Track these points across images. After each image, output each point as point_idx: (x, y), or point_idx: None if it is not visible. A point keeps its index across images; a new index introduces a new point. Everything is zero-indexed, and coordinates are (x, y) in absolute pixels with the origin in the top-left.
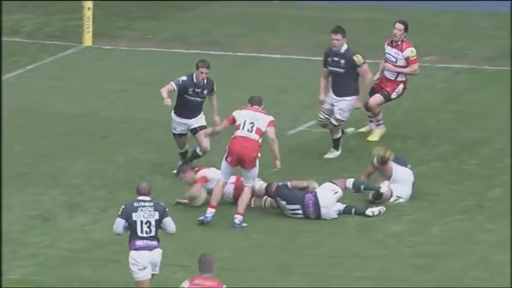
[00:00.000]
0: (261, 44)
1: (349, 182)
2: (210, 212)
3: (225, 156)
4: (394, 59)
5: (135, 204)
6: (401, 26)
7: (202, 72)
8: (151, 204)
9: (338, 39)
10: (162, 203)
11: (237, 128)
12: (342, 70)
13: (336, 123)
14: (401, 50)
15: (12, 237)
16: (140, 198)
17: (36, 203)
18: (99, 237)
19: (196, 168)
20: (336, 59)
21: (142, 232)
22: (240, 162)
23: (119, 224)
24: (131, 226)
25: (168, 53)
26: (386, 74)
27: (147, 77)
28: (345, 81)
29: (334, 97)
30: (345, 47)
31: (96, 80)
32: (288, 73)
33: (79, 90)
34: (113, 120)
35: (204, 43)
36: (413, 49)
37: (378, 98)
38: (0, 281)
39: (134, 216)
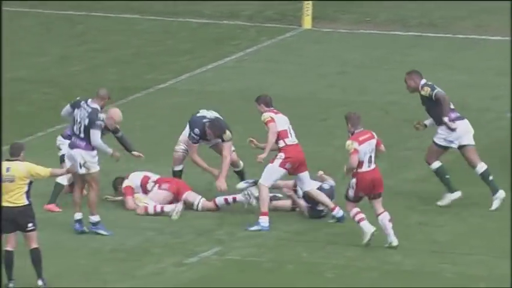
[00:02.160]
0: (480, 26)
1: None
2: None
3: (281, 162)
4: None
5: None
6: None
7: None
8: (90, 109)
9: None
10: (100, 115)
11: (285, 135)
12: None
13: None
14: None
15: (231, 219)
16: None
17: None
18: (317, 219)
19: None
20: None
21: (75, 129)
22: (298, 168)
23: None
24: (71, 119)
25: (386, 36)
26: None
27: (365, 60)
28: None
29: None
30: None
31: (315, 63)
32: (508, 55)
33: (297, 73)
34: (331, 103)
35: (422, 25)
36: None
37: None
38: (0, 280)
39: (75, 111)
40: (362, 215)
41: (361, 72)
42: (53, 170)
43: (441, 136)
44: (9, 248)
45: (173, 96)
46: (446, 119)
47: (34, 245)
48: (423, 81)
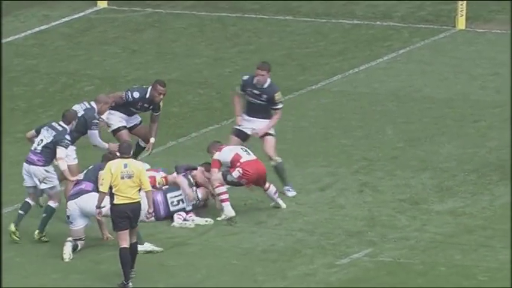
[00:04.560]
0: None
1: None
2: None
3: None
4: None
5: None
6: None
7: (258, 74)
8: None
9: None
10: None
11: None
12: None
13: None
14: None
15: (382, 220)
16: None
17: (406, 186)
18: (470, 221)
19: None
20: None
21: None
22: None
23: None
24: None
25: None
26: None
27: None
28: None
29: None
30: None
31: (468, 64)
32: None
33: (450, 74)
34: (484, 104)
35: None
36: None
37: None
38: (0, 280)
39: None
40: (227, 196)
41: None
42: (150, 193)
43: None
44: (125, 245)
45: (325, 97)
46: None
47: (134, 239)
48: None
